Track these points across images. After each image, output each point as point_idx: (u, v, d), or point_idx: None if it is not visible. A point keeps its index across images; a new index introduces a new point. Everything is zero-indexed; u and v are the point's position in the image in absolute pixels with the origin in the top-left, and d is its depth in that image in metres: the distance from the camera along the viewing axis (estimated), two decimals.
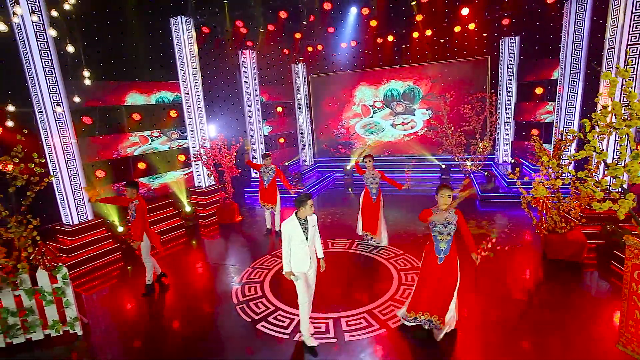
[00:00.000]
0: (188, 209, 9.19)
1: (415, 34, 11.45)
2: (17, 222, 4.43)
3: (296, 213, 3.85)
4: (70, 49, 6.33)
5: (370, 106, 13.37)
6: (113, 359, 4.20)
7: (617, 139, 5.72)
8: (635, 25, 5.80)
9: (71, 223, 6.99)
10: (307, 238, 3.84)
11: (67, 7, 5.31)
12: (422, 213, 3.86)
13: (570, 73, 8.52)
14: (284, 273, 3.94)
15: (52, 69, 6.50)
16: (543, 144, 6.04)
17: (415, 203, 9.44)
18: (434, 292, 3.88)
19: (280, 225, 7.66)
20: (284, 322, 4.52)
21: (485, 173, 9.24)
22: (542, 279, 5.36)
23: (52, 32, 5.12)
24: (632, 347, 3.53)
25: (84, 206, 7.09)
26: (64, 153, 6.78)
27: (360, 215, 6.78)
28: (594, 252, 5.86)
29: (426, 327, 4.03)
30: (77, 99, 6.84)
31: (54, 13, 5.28)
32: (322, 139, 14.33)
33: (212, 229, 8.65)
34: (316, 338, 4.13)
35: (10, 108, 5.44)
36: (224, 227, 8.74)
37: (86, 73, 6.26)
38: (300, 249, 3.84)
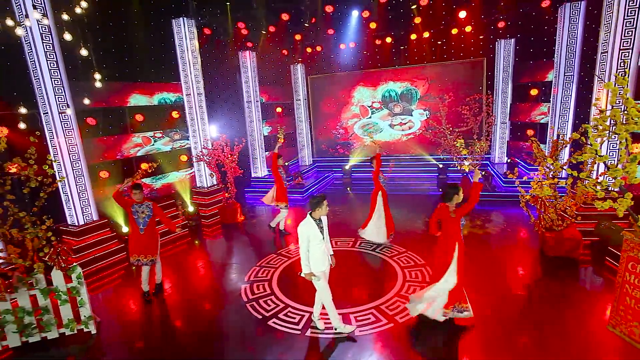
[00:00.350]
0: (191, 209, 9.27)
1: (413, 36, 11.65)
2: (31, 223, 4.50)
3: (310, 214, 3.97)
4: (74, 50, 6.40)
5: (369, 107, 13.55)
6: (128, 357, 4.29)
7: (611, 142, 5.99)
8: (627, 30, 6.05)
9: (76, 224, 7.04)
10: (323, 237, 3.98)
11: (78, 10, 5.33)
12: (462, 213, 4.02)
13: (565, 75, 8.79)
14: (303, 275, 4.04)
15: (58, 71, 6.54)
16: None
17: (416, 202, 9.66)
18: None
19: (284, 225, 7.88)
20: (294, 318, 4.66)
21: (483, 173, 9.48)
22: (540, 275, 5.58)
23: (67, 36, 5.16)
24: (620, 328, 3.89)
25: (89, 207, 7.14)
26: (69, 154, 6.82)
27: (384, 220, 6.67)
28: (589, 249, 6.10)
29: (450, 315, 4.26)
30: (86, 101, 6.88)
31: (65, 17, 5.32)
32: (320, 139, 14.48)
33: (215, 229, 8.74)
34: (326, 333, 4.29)
35: (22, 110, 5.45)
36: (227, 226, 8.84)
37: (97, 75, 6.31)
38: (319, 249, 3.96)
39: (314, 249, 3.95)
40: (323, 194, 4.10)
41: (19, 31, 4.38)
